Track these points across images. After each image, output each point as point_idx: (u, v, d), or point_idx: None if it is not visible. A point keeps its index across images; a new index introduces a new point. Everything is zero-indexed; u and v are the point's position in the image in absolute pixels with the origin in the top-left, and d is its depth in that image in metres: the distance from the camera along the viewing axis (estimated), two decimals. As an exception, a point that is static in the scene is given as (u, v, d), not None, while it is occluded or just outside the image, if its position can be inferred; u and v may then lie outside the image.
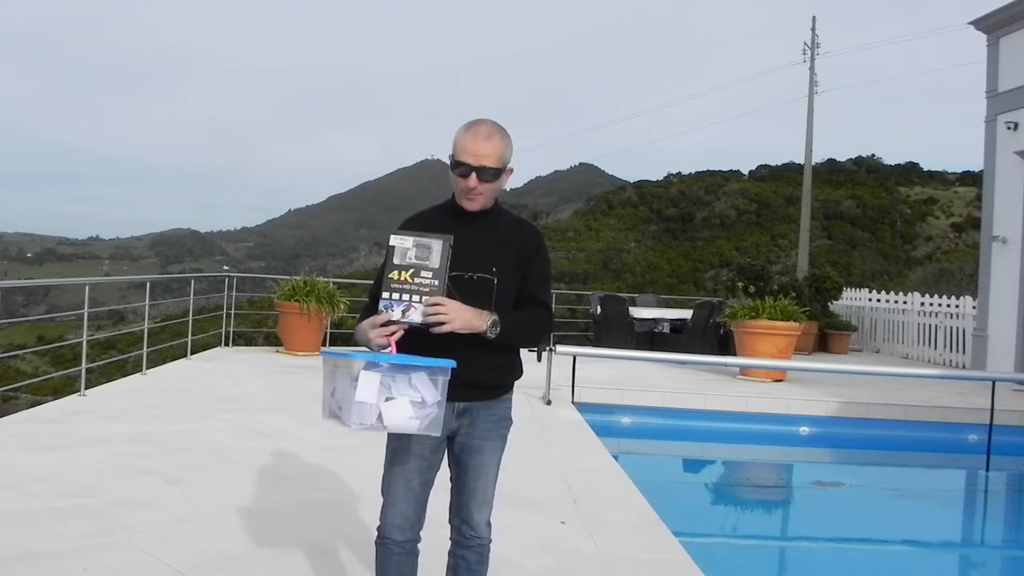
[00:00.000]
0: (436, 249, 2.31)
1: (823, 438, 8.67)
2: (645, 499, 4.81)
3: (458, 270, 2.39)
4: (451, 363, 2.25)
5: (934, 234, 51.63)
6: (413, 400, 2.26)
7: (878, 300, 17.14)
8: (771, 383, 10.09)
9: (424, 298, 2.30)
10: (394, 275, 2.31)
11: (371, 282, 2.59)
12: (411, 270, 2.31)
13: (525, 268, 2.50)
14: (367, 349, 2.39)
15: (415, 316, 2.30)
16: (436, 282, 2.31)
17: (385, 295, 2.31)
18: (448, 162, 2.46)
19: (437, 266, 2.31)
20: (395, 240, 2.33)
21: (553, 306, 2.66)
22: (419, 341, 2.38)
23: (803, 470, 8.39)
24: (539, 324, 2.52)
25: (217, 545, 3.68)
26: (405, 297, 2.30)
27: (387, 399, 2.24)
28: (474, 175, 2.38)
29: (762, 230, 51.12)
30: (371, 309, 2.51)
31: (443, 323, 2.28)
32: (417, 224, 2.56)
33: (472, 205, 2.44)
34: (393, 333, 2.31)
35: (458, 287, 2.39)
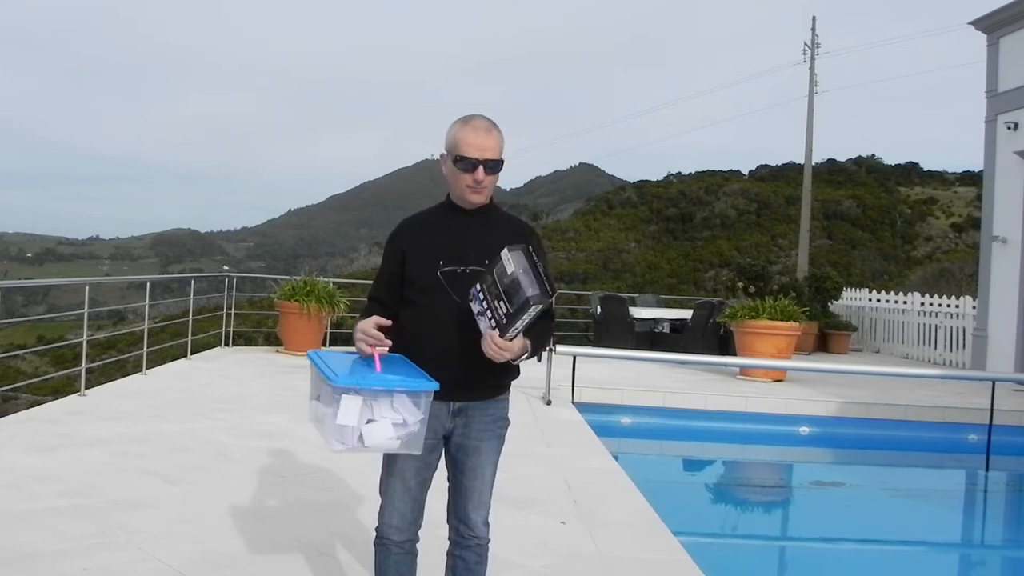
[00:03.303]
0: (523, 289, 2.24)
1: (823, 438, 8.67)
2: (645, 499, 4.82)
3: (452, 265, 2.41)
4: (435, 385, 2.26)
5: (934, 234, 51.57)
6: (395, 422, 2.26)
7: (878, 300, 17.14)
8: (771, 383, 10.09)
9: (490, 332, 2.26)
10: (488, 281, 2.28)
11: (370, 282, 2.59)
12: (495, 293, 2.27)
13: None
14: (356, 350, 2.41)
15: (482, 324, 2.30)
16: (505, 321, 2.26)
17: (477, 287, 2.29)
18: (441, 160, 2.49)
19: (512, 311, 2.25)
20: (505, 256, 2.27)
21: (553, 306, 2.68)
22: (416, 338, 2.40)
23: (803, 470, 8.39)
24: (546, 334, 2.52)
25: (217, 545, 3.68)
26: (484, 304, 2.28)
27: (368, 421, 2.24)
28: (481, 168, 2.41)
29: (762, 230, 51.08)
30: (373, 310, 2.52)
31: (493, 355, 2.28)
32: (416, 225, 2.56)
33: (479, 198, 2.47)
34: (377, 346, 2.33)
35: (452, 282, 2.40)
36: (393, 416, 2.26)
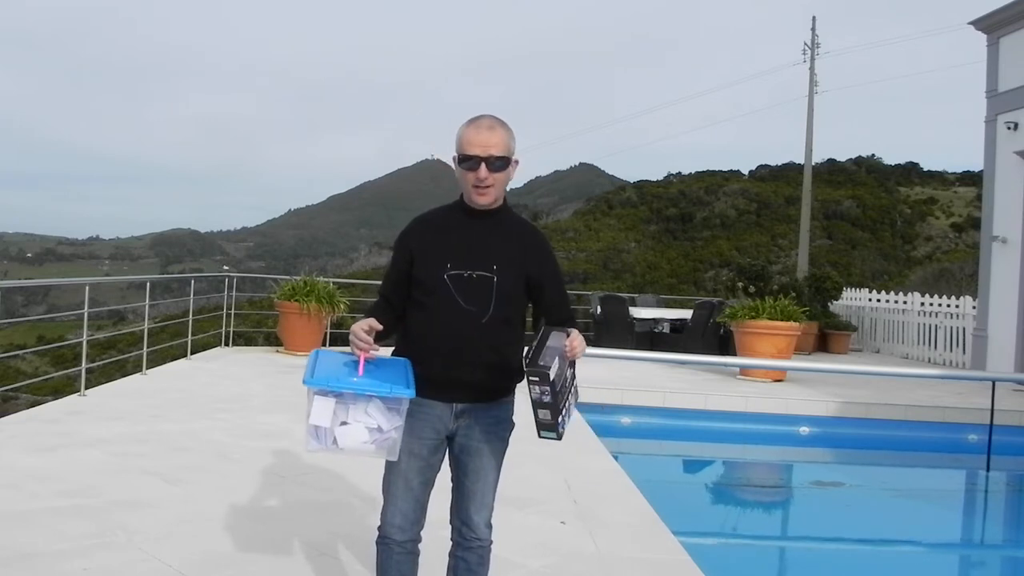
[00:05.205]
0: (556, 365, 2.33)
1: (823, 438, 8.67)
2: (645, 499, 4.82)
3: (459, 269, 2.40)
4: (409, 393, 2.26)
5: (934, 234, 51.56)
6: (369, 427, 2.26)
7: (878, 300, 17.13)
8: (771, 383, 10.08)
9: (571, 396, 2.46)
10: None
11: (371, 282, 2.59)
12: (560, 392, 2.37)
13: (541, 280, 2.52)
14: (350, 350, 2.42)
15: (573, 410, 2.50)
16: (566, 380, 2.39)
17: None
18: (452, 162, 2.48)
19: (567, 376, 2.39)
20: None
21: None
22: (421, 338, 2.40)
23: (803, 470, 8.39)
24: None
25: (217, 545, 3.68)
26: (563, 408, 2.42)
27: (342, 423, 2.25)
28: (483, 166, 2.39)
29: (762, 230, 51.09)
30: (379, 306, 2.52)
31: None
32: (425, 225, 2.56)
33: (484, 199, 2.44)
34: (368, 350, 2.33)
35: (458, 286, 2.39)
36: (367, 421, 2.27)
